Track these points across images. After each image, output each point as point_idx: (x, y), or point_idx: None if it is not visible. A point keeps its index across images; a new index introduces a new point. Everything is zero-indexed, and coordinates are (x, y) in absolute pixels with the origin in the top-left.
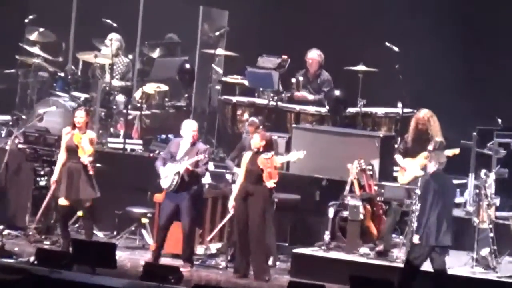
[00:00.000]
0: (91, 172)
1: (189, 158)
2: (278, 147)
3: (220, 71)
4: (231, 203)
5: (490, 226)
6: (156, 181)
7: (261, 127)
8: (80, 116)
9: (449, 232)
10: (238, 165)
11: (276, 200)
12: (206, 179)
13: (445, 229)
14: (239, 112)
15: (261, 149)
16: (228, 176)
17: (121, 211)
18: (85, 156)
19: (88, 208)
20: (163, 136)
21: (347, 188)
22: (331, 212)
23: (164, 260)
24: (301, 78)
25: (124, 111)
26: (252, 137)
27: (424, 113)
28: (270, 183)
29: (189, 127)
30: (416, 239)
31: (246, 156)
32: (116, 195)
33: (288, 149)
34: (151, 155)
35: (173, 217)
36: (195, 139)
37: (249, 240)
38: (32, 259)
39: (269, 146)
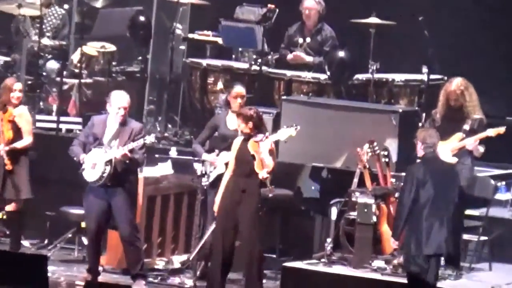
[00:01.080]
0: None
1: (121, 142)
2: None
3: (186, 25)
4: (216, 205)
5: None
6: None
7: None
8: (19, 89)
9: (441, 236)
10: (210, 151)
11: (270, 195)
12: (165, 170)
13: (436, 233)
14: (210, 80)
15: (251, 132)
16: (197, 166)
17: (54, 213)
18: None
19: (14, 212)
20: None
21: (355, 180)
22: (333, 213)
23: (110, 278)
24: (295, 34)
25: (58, 79)
26: (237, 114)
27: (457, 83)
28: (262, 173)
29: (118, 101)
30: (393, 244)
31: (236, 142)
32: (47, 191)
33: (276, 128)
34: None
35: (106, 218)
36: (124, 117)
37: (233, 252)
38: None
39: (259, 124)
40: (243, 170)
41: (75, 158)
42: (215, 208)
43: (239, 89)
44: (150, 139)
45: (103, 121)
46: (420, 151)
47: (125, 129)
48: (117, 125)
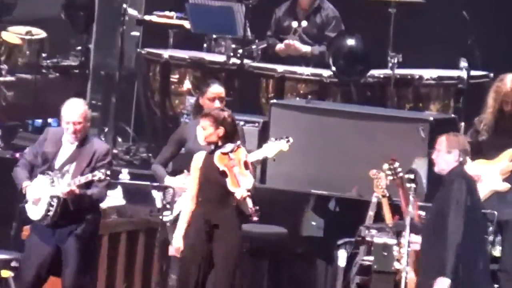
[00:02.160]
0: None
1: (77, 168)
2: (245, 140)
3: (141, 5)
4: (176, 244)
5: None
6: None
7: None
8: None
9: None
10: (175, 173)
11: (255, 218)
12: (113, 200)
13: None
14: (174, 77)
15: (219, 142)
16: (157, 194)
17: None
18: None
19: None
20: (39, 121)
21: (371, 214)
22: (341, 257)
23: None
24: (286, 17)
25: None
26: (204, 115)
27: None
28: (240, 191)
29: (65, 114)
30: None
31: (197, 159)
32: None
33: (262, 142)
34: (17, 155)
35: (48, 267)
36: (77, 136)
37: None
38: None
39: (232, 132)
40: (212, 195)
41: (17, 185)
42: (174, 251)
43: (216, 88)
44: (99, 174)
45: (58, 137)
46: (450, 163)
47: (85, 151)
48: (74, 145)
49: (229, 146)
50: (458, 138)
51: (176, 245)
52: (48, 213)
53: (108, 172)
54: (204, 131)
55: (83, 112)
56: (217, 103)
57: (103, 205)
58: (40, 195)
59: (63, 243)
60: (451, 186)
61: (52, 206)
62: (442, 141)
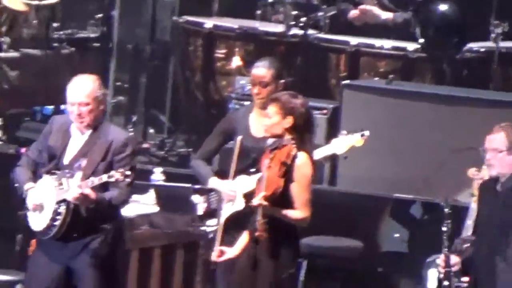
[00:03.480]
0: None
1: (89, 164)
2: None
3: None
4: (215, 254)
5: None
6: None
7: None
8: None
9: None
10: (221, 172)
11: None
12: (144, 207)
13: None
14: (220, 51)
15: (286, 135)
16: (198, 199)
17: None
18: None
19: None
20: (49, 107)
21: (469, 223)
22: (432, 277)
23: None
24: None
25: None
26: (266, 107)
27: None
28: (258, 197)
29: (69, 94)
30: None
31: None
32: None
33: (332, 134)
34: (23, 151)
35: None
36: (84, 121)
37: None
38: None
39: (303, 126)
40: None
41: (18, 189)
42: (212, 257)
43: (256, 69)
44: (116, 175)
45: (65, 127)
46: None
47: (98, 143)
48: (85, 136)
49: (275, 141)
50: None
51: (214, 255)
52: (54, 223)
53: (128, 172)
54: (269, 119)
55: (91, 90)
56: (255, 89)
57: (132, 213)
58: (43, 201)
59: (75, 261)
60: None
61: (59, 214)
62: (500, 138)
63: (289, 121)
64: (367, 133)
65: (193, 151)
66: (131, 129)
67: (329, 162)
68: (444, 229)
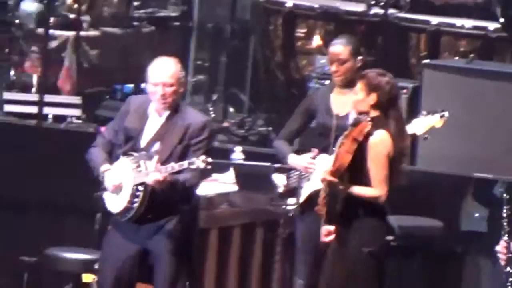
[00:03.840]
0: None
1: (165, 147)
2: None
3: None
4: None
5: None
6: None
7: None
8: None
9: None
10: (301, 152)
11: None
12: (224, 186)
13: None
14: (301, 30)
15: (371, 112)
16: (279, 178)
17: (37, 257)
18: None
19: None
20: (129, 86)
21: None
22: None
23: None
24: None
25: (40, 30)
26: (346, 85)
27: None
28: (326, 171)
29: (152, 74)
30: None
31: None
32: (21, 220)
33: (412, 113)
34: (102, 129)
35: (131, 273)
36: (166, 103)
37: None
38: None
39: (386, 104)
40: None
41: (94, 170)
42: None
43: (334, 47)
44: (198, 162)
45: (143, 108)
46: None
47: (176, 125)
48: (163, 118)
49: (355, 118)
50: None
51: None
52: (132, 205)
53: (210, 159)
54: (355, 96)
55: (175, 71)
56: (333, 67)
57: (211, 192)
58: (121, 182)
59: (151, 242)
60: None
61: (137, 196)
62: None
63: (373, 98)
64: (446, 114)
65: (273, 130)
66: (211, 108)
67: (410, 141)
68: (504, 214)
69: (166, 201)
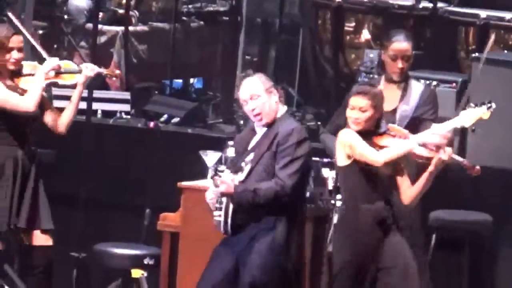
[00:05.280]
0: None
1: (255, 156)
2: (437, 105)
3: None
4: None
5: None
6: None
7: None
8: (17, 45)
9: None
10: None
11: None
12: None
13: None
14: (350, 25)
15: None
16: (327, 173)
17: (87, 253)
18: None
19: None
20: (178, 81)
21: None
22: None
23: None
24: None
25: (89, 25)
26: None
27: None
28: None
29: (241, 90)
30: None
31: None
32: (71, 216)
33: (461, 106)
34: (151, 125)
35: (226, 283)
36: (258, 116)
37: None
38: None
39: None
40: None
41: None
42: None
43: (400, 43)
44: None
45: (252, 125)
46: None
47: (269, 135)
48: (262, 128)
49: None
50: None
51: None
52: (227, 213)
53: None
54: (362, 113)
55: (259, 86)
56: (399, 64)
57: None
58: (216, 195)
59: (239, 253)
60: None
61: (223, 203)
62: None
63: (378, 114)
64: (493, 105)
65: (322, 124)
66: None
67: (458, 134)
68: None
69: (252, 211)
